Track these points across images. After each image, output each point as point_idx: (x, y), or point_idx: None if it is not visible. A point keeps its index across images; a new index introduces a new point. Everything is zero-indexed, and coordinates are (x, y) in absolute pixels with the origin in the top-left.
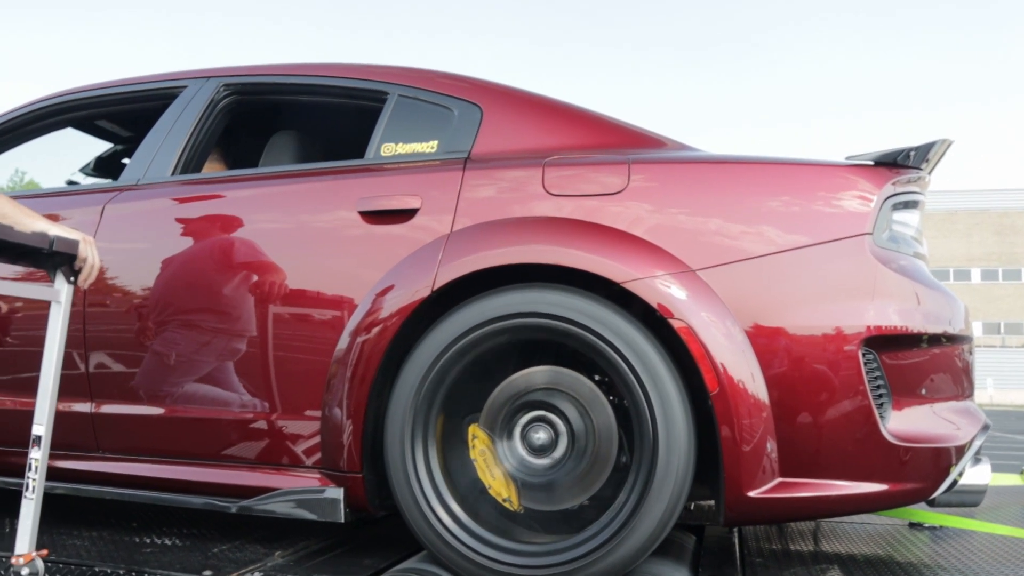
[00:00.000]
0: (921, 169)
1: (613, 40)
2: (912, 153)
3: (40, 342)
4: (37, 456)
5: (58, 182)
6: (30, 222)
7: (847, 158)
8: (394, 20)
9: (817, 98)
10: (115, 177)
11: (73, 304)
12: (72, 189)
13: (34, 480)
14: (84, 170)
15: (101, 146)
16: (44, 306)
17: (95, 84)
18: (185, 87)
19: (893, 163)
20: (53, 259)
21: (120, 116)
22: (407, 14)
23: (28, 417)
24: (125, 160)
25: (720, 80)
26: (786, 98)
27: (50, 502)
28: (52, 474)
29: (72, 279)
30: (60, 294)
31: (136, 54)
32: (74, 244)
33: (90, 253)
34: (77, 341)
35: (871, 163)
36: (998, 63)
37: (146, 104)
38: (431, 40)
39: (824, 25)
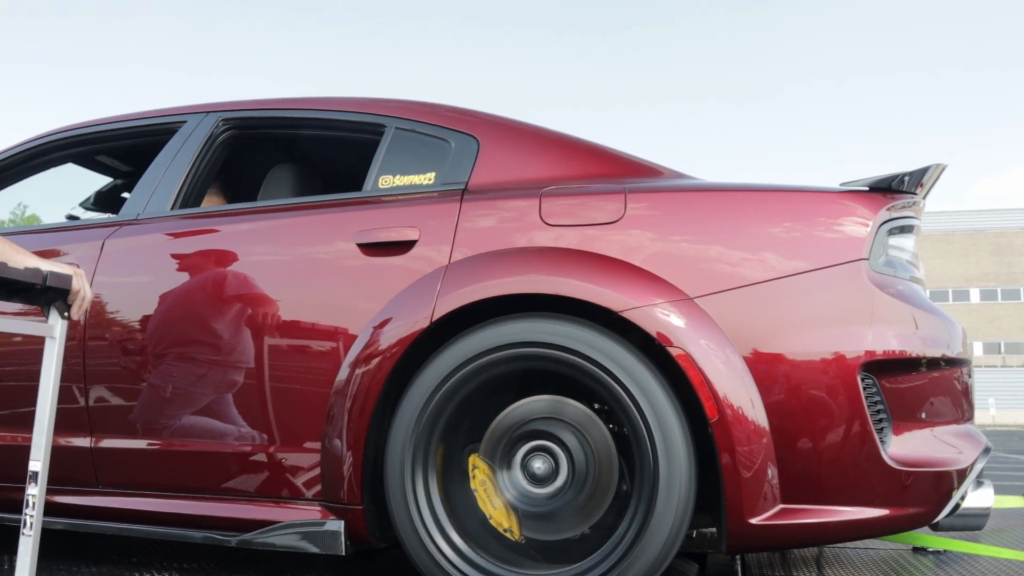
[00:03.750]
0: (915, 194)
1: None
2: (906, 178)
3: (35, 376)
4: (34, 492)
5: (58, 217)
6: (20, 258)
7: (842, 184)
8: (399, 53)
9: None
10: (115, 211)
11: (73, 338)
12: (72, 224)
13: (31, 516)
14: (84, 205)
15: (100, 181)
16: (38, 340)
17: (95, 120)
18: (184, 122)
19: (888, 188)
20: (47, 295)
21: (120, 151)
22: (411, 46)
23: (26, 452)
24: (125, 194)
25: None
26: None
27: (49, 538)
28: (51, 509)
29: (66, 314)
30: (55, 329)
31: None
32: (67, 279)
33: (82, 286)
34: (77, 375)
35: (866, 189)
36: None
37: (146, 139)
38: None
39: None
